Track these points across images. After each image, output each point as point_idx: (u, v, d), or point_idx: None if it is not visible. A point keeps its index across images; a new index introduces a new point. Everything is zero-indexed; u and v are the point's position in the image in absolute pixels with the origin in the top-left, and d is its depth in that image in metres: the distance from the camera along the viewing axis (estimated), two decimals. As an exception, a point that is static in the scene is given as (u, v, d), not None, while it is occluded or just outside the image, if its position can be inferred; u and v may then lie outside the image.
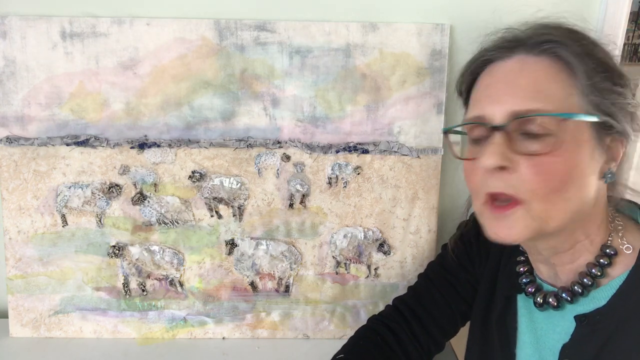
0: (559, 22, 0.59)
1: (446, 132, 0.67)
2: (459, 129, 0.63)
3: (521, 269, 0.69)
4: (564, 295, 0.61)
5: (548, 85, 0.54)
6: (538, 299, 0.64)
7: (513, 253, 0.72)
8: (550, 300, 0.62)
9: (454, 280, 0.80)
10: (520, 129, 0.55)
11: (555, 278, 0.64)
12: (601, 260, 0.59)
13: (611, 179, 0.57)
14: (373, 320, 0.83)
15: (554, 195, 0.54)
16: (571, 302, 0.61)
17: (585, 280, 0.60)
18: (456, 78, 0.68)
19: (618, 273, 0.59)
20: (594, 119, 0.54)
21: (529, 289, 0.66)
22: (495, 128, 0.56)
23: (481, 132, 0.59)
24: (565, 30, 0.57)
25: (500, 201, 0.57)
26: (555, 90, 0.54)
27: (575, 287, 0.60)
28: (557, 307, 0.62)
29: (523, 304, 0.68)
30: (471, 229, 0.79)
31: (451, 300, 0.79)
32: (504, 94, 0.56)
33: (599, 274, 0.59)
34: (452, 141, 0.68)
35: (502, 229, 0.57)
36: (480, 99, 0.60)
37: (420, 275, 0.85)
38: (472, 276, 0.79)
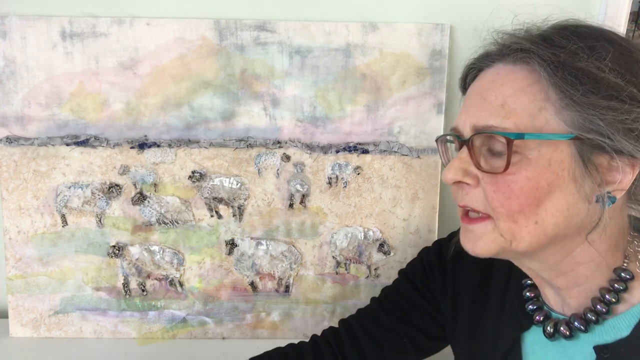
0: (551, 25, 0.55)
1: (437, 140, 0.65)
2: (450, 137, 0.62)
3: (527, 294, 0.63)
4: (576, 323, 0.56)
5: (515, 99, 0.51)
6: (548, 328, 0.58)
7: (509, 280, 0.66)
8: (562, 329, 0.57)
9: (406, 306, 0.74)
10: (486, 144, 0.53)
11: (562, 305, 0.59)
12: (616, 285, 0.54)
13: (610, 203, 0.51)
14: (311, 336, 0.77)
15: (519, 216, 0.51)
16: (585, 331, 0.55)
17: (598, 307, 0.54)
18: (458, 81, 0.66)
19: (639, 299, 0.54)
20: (559, 138, 0.49)
21: (537, 317, 0.60)
22: (462, 142, 0.55)
23: (457, 144, 0.58)
24: (542, 36, 0.53)
25: (473, 212, 0.55)
26: (524, 104, 0.50)
27: (589, 315, 0.55)
28: (570, 337, 0.56)
29: (534, 339, 0.62)
30: (434, 256, 0.74)
31: (400, 327, 0.73)
32: (473, 106, 0.54)
33: (613, 300, 0.54)
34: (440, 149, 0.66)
35: (467, 241, 0.56)
36: (460, 111, 0.58)
37: (372, 299, 0.78)
38: (431, 306, 0.73)
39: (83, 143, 0.93)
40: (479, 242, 0.54)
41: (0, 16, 0.89)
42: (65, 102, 0.92)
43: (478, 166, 0.53)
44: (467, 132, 0.54)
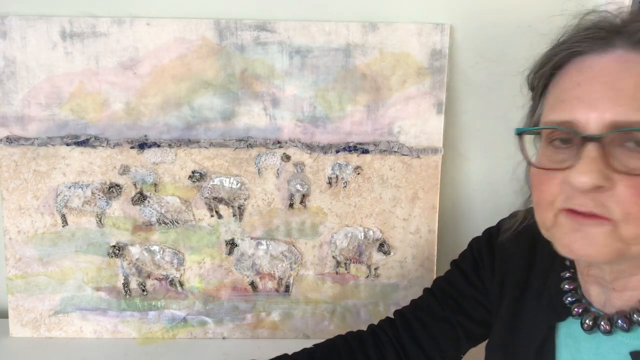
0: None
1: (521, 133, 0.55)
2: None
3: (566, 287, 0.60)
4: (619, 322, 0.53)
5: None
6: (587, 321, 0.56)
7: (550, 272, 0.64)
8: (603, 324, 0.54)
9: (458, 296, 0.74)
10: (618, 141, 0.47)
11: (605, 303, 0.56)
12: None
13: None
14: (368, 326, 0.79)
15: None
16: (627, 330, 0.52)
17: None
18: (532, 70, 0.57)
19: None
20: None
21: (576, 309, 0.58)
22: (589, 139, 0.47)
23: (565, 138, 0.51)
24: None
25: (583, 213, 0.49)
26: None
27: (635, 316, 0.52)
28: (609, 333, 0.54)
29: (567, 331, 0.60)
30: (483, 244, 0.73)
31: (453, 317, 0.73)
32: (602, 98, 0.47)
33: None
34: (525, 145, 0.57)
35: (580, 243, 0.49)
36: (567, 100, 0.50)
37: (424, 289, 0.79)
38: (481, 294, 0.73)
39: (83, 143, 0.93)
40: (593, 247, 0.48)
41: (0, 16, 0.89)
42: (65, 102, 0.92)
43: (616, 167, 0.46)
44: (595, 128, 0.47)
